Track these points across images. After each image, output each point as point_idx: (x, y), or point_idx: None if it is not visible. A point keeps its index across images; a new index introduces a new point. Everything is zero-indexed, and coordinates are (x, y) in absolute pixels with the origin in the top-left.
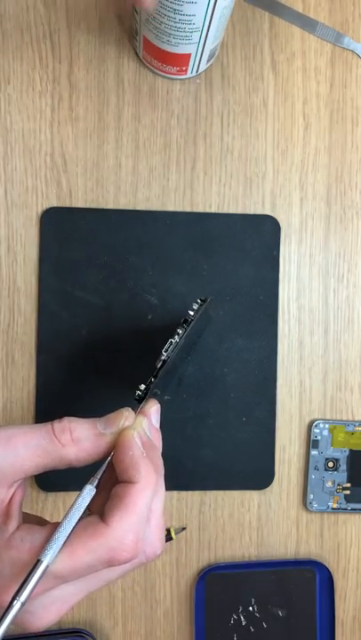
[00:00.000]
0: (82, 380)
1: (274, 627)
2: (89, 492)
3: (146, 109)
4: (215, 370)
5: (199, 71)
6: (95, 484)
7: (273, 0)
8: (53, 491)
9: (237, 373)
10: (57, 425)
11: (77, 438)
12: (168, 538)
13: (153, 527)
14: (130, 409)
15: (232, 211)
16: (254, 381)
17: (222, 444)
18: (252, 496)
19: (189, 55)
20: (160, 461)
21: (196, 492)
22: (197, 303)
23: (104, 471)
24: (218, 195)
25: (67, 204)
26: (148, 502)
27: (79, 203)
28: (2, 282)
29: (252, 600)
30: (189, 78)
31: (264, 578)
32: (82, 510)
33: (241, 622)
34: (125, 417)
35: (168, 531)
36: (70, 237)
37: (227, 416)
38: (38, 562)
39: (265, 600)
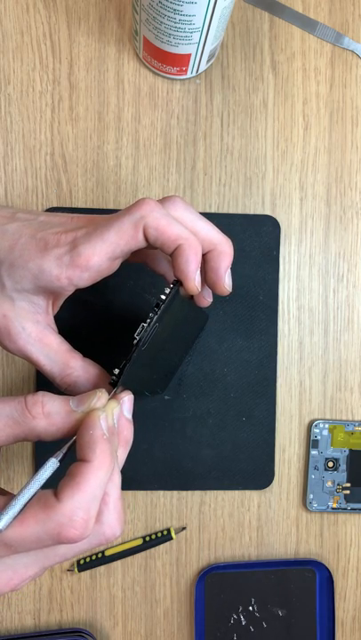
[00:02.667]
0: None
1: (274, 626)
2: (52, 464)
3: (146, 109)
4: (215, 370)
5: (199, 71)
6: (60, 458)
7: (273, 0)
8: None
9: (237, 373)
10: (30, 397)
11: (48, 412)
12: (168, 538)
13: (111, 509)
14: (104, 390)
15: (232, 211)
16: (254, 381)
17: (222, 444)
18: (252, 496)
19: (189, 55)
20: (121, 450)
21: (196, 492)
22: (169, 287)
23: (69, 447)
24: (218, 195)
25: (67, 204)
26: (100, 483)
27: (79, 203)
28: None
29: (252, 600)
30: (189, 78)
31: (264, 578)
32: (42, 482)
33: (241, 622)
34: (98, 397)
35: (168, 531)
36: None
37: (227, 416)
38: None
39: (265, 600)
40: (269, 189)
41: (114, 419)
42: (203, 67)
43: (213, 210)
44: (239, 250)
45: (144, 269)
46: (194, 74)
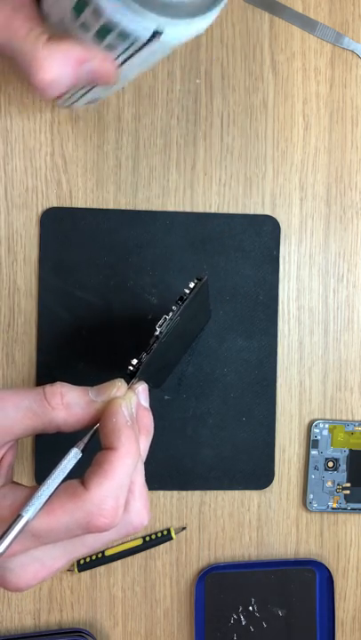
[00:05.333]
0: (82, 380)
1: (274, 626)
2: (75, 455)
3: (146, 109)
4: (215, 370)
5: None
6: (82, 448)
7: (273, 0)
8: None
9: (237, 373)
10: (49, 388)
11: (68, 403)
12: (168, 538)
13: (137, 497)
14: (123, 380)
15: (232, 211)
16: (254, 381)
17: (222, 444)
18: (252, 496)
19: None
20: (143, 439)
21: (196, 492)
22: (194, 282)
23: (91, 437)
24: (218, 195)
25: (67, 204)
26: (128, 470)
27: (79, 203)
28: (2, 282)
29: (252, 600)
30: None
31: (264, 578)
32: (66, 472)
33: (241, 622)
34: (118, 387)
35: (168, 530)
36: (70, 237)
37: (227, 416)
38: (19, 516)
39: (265, 600)
40: (269, 189)
41: (132, 408)
42: (81, 103)
43: (213, 210)
44: (239, 250)
45: (144, 269)
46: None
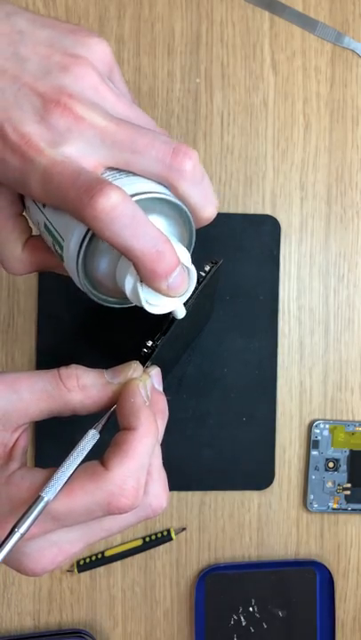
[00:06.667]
0: None
1: (274, 627)
2: (93, 436)
3: (146, 109)
4: (215, 370)
5: None
6: (99, 430)
7: (273, 0)
8: None
9: (237, 373)
10: (64, 371)
11: (84, 385)
12: (168, 538)
13: (155, 479)
14: (138, 362)
15: (232, 210)
16: (254, 381)
17: (222, 444)
18: (252, 496)
19: None
20: (159, 422)
21: (197, 492)
22: (209, 265)
23: (108, 418)
24: (218, 194)
25: None
26: (147, 450)
27: None
28: (2, 282)
29: (253, 600)
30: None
31: (264, 578)
32: (85, 453)
33: (241, 623)
34: (134, 369)
35: (168, 531)
36: None
37: (227, 416)
38: (39, 497)
39: (265, 600)
40: (270, 189)
41: (148, 390)
42: None
43: None
44: (239, 250)
45: None
46: None
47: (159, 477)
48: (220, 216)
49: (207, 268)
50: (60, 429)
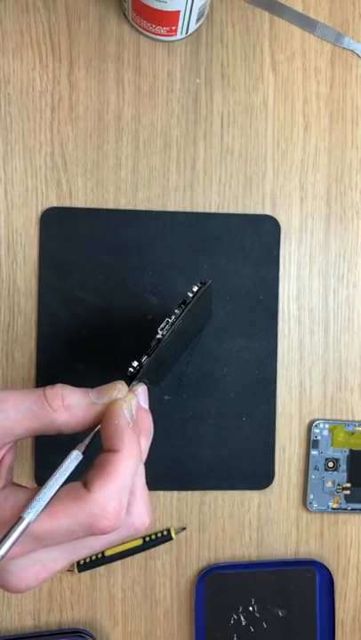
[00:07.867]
0: (82, 379)
1: (274, 627)
2: (76, 457)
3: (146, 109)
4: (215, 370)
5: (189, 32)
6: (82, 450)
7: (273, 0)
8: None
9: (237, 373)
10: (49, 390)
11: (69, 405)
12: (168, 538)
13: (138, 499)
14: (123, 382)
15: (232, 211)
16: (254, 381)
17: (222, 444)
18: (252, 496)
19: (178, 13)
20: (143, 440)
21: (196, 492)
22: (197, 286)
23: (92, 438)
24: (218, 195)
25: (67, 204)
26: (130, 472)
27: (79, 203)
28: (2, 282)
29: (253, 600)
30: (180, 40)
31: (264, 578)
32: (67, 474)
33: (241, 622)
34: (118, 389)
35: (168, 531)
36: (70, 237)
37: (227, 416)
38: (20, 519)
39: (265, 600)
40: (269, 189)
41: (133, 410)
42: (192, 27)
43: (213, 210)
44: (239, 250)
45: (144, 270)
46: (184, 34)
47: (142, 497)
48: (220, 216)
49: (195, 289)
50: (60, 439)
